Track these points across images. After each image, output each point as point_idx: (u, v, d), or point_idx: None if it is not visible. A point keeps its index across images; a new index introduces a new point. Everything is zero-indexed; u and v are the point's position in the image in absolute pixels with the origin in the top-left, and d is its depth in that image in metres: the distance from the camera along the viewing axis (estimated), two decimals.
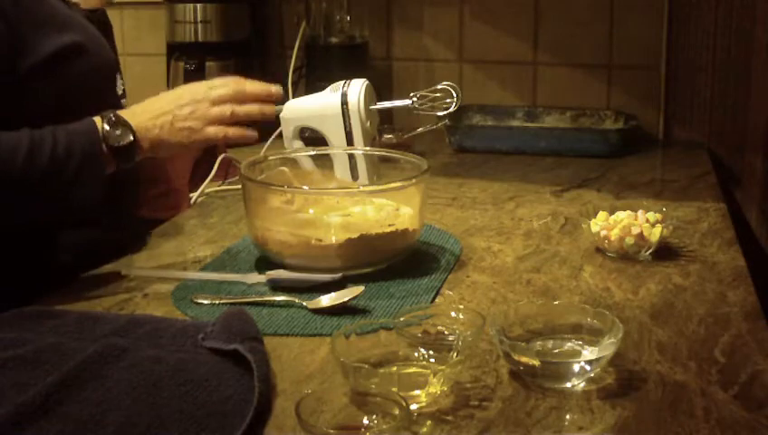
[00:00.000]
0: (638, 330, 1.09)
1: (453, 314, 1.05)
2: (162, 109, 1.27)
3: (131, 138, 1.23)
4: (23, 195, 1.17)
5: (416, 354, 0.99)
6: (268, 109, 1.35)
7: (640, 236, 1.31)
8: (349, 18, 2.17)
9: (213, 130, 1.28)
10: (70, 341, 0.99)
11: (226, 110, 1.29)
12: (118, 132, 1.22)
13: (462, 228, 1.49)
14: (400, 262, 1.29)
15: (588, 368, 0.95)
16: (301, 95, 1.80)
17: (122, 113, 1.24)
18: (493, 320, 1.00)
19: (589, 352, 0.96)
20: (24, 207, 1.18)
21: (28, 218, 1.20)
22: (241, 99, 1.31)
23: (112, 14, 1.76)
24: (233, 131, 1.30)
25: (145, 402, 0.87)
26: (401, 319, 1.03)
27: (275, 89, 1.36)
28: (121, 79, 1.47)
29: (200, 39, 2.15)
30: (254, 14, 2.28)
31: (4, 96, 1.22)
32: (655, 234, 1.31)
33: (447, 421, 0.89)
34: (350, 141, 1.56)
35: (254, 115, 1.32)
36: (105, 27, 1.54)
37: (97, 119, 1.23)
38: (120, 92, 1.45)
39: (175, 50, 2.20)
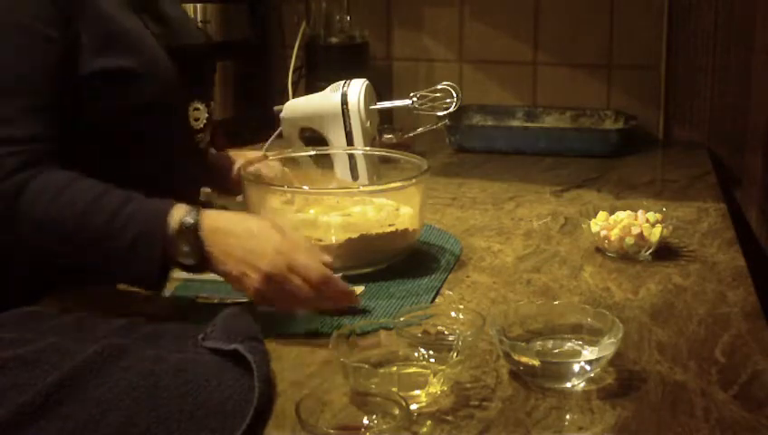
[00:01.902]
0: (638, 330, 1.09)
1: (453, 314, 1.05)
2: (251, 261, 1.07)
3: (193, 262, 1.09)
4: (67, 250, 1.11)
5: (416, 354, 0.99)
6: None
7: (640, 236, 1.31)
8: (349, 18, 2.17)
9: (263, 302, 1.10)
10: (70, 341, 0.99)
11: (302, 291, 1.08)
12: (185, 249, 1.08)
13: (462, 228, 1.49)
14: (400, 262, 1.29)
15: (588, 368, 0.95)
16: (301, 95, 1.80)
17: (211, 232, 1.08)
18: (493, 320, 1.00)
19: (589, 352, 0.96)
20: (70, 261, 1.14)
21: (73, 268, 1.15)
22: (319, 291, 1.10)
23: None
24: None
25: (145, 402, 0.88)
26: (401, 319, 1.03)
27: (357, 297, 1.15)
28: (205, 109, 1.34)
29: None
30: (254, 14, 2.28)
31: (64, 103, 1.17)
32: (655, 234, 1.31)
33: (447, 421, 0.89)
34: (350, 141, 1.57)
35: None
36: (200, 62, 1.39)
37: (179, 209, 1.09)
38: (194, 123, 1.32)
39: None
